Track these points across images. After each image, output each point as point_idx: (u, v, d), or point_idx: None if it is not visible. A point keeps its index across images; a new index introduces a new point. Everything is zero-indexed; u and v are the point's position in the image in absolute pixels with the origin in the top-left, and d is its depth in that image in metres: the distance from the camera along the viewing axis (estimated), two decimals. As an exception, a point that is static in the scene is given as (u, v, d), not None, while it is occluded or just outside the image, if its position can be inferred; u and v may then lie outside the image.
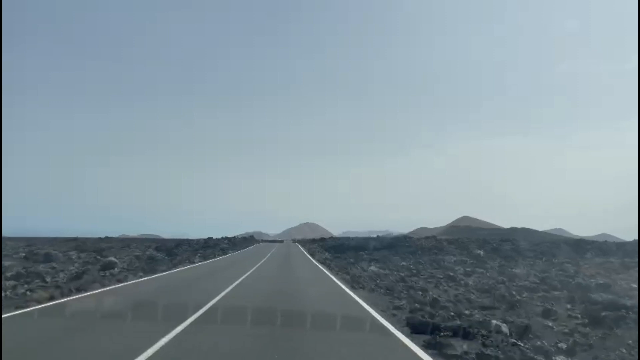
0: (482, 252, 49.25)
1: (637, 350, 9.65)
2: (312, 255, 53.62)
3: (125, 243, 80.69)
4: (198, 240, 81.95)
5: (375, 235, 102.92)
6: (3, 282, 17.95)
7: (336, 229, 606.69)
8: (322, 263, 38.53)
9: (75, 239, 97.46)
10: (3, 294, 15.20)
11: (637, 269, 31.40)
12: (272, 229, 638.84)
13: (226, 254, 56.01)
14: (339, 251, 60.51)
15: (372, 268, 32.21)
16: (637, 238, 57.89)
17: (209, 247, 64.25)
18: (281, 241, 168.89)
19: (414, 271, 31.14)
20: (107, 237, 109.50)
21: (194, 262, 37.27)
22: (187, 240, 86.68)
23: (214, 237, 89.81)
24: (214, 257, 46.53)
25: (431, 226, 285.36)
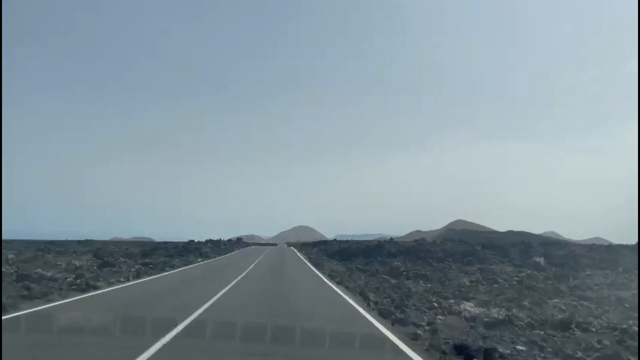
0: (542, 261, 36.64)
1: None
2: (317, 265, 35.59)
3: (91, 247, 68.08)
4: (177, 244, 69.06)
5: (373, 239, 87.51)
6: None
7: (330, 232, 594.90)
8: (350, 290, 20.36)
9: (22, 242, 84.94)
10: None
11: None
12: (266, 232, 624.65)
13: (206, 259, 43.53)
14: (346, 257, 48.14)
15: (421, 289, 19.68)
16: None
17: (187, 252, 51.50)
18: (274, 244, 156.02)
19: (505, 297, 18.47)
20: (87, 240, 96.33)
21: (138, 278, 24.15)
22: (169, 243, 74.23)
23: (196, 241, 77.04)
24: (182, 265, 33.49)
25: (425, 229, 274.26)
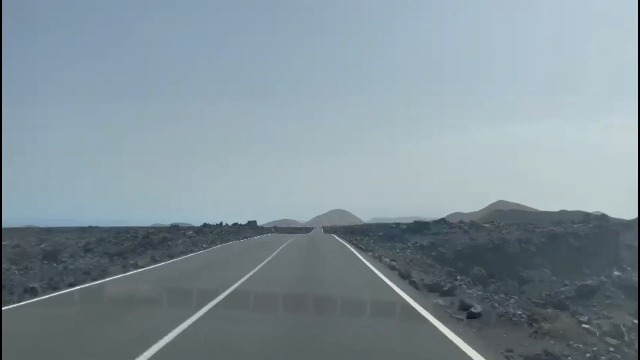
0: None
1: None
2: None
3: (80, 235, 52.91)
4: (148, 231, 49.05)
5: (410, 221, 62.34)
6: None
7: (365, 216, 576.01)
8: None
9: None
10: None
11: None
12: (301, 217, 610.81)
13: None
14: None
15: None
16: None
17: (149, 246, 31.79)
18: (308, 230, 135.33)
19: None
20: (89, 227, 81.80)
21: None
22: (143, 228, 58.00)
23: (181, 225, 60.28)
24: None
25: (466, 211, 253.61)
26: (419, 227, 47.76)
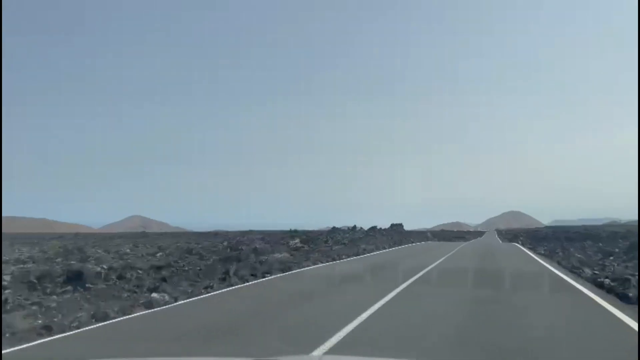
0: None
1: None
2: None
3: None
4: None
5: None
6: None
7: (544, 218, 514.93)
8: None
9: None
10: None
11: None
12: (472, 219, 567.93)
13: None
14: None
15: None
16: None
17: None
18: (480, 234, 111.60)
19: None
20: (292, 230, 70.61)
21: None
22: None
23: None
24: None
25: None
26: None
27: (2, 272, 13.83)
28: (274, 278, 15.43)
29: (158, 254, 29.70)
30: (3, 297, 10.56)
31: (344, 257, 25.01)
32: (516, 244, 43.76)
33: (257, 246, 24.21)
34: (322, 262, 21.44)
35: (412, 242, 45.30)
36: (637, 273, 13.75)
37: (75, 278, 13.89)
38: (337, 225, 48.80)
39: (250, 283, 14.12)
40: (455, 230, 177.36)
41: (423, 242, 46.79)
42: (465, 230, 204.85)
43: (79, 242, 50.78)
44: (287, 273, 16.81)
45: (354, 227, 46.36)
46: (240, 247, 24.23)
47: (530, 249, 36.25)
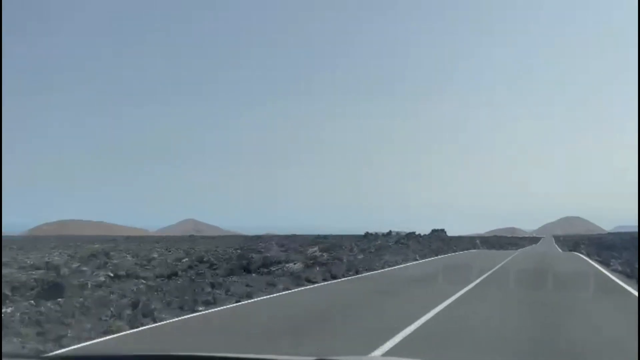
0: None
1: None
2: None
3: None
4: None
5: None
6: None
7: (606, 223, 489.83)
8: None
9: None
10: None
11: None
12: (528, 225, 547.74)
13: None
14: None
15: None
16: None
17: None
18: (535, 240, 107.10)
19: None
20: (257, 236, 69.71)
21: None
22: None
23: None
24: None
25: None
26: None
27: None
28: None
29: (184, 260, 28.69)
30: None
31: (350, 273, 18.87)
32: (580, 254, 38.20)
33: (268, 254, 21.06)
34: (306, 285, 15.44)
35: (454, 251, 41.26)
36: None
37: (53, 290, 12.79)
38: (392, 229, 46.38)
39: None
40: (509, 236, 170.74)
41: (465, 252, 42.78)
42: (520, 236, 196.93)
43: (124, 245, 50.88)
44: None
45: (389, 232, 44.19)
46: (250, 255, 21.41)
47: (599, 262, 28.65)
